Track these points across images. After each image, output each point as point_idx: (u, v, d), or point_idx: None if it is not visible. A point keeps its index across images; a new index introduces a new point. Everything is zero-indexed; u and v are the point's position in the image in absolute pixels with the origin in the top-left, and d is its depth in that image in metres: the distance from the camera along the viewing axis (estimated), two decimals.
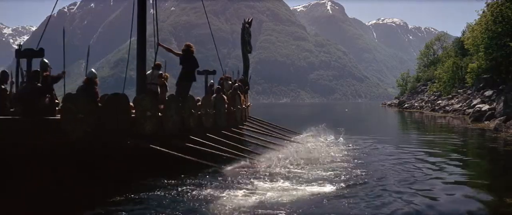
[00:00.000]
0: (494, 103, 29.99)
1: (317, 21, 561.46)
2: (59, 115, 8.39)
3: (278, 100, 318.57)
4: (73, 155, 7.88)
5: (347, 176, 9.42)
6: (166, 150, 9.57)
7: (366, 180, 9.05)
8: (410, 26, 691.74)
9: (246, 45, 18.66)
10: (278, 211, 6.74)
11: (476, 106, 32.49)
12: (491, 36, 39.15)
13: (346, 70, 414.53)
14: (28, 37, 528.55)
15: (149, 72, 12.25)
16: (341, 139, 17.20)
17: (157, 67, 12.55)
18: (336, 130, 19.53)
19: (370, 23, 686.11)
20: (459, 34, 72.18)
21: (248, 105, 18.52)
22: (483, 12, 43.42)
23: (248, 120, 17.77)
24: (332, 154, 13.23)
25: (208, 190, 8.09)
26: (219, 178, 9.21)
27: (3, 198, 6.78)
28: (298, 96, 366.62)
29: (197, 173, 9.54)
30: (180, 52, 12.08)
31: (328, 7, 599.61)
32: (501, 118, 23.65)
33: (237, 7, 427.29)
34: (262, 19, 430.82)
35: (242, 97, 16.68)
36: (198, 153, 10.45)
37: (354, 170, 10.15)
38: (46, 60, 10.08)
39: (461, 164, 11.51)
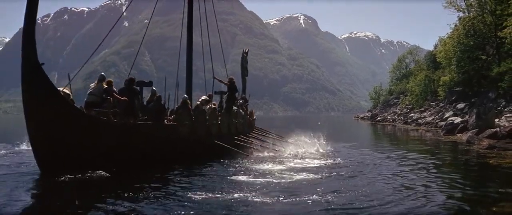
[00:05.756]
0: (467, 116, 30.01)
1: (290, 35, 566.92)
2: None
3: None
4: (181, 143, 14.18)
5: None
6: (223, 144, 15.52)
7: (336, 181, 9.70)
8: (382, 40, 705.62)
9: (244, 70, 23.09)
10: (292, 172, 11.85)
11: (449, 119, 32.49)
12: (463, 49, 39.67)
13: (319, 83, 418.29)
14: (1, 48, 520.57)
15: (204, 97, 17.45)
16: (322, 141, 20.15)
17: (210, 96, 18.29)
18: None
19: (343, 36, 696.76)
20: (431, 48, 73.43)
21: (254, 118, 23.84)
22: (455, 25, 44.04)
23: (255, 128, 22.82)
24: (316, 150, 17.91)
25: (246, 165, 13.29)
26: (251, 161, 14.50)
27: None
28: (271, 109, 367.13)
29: (238, 158, 14.71)
30: (228, 83, 17.92)
31: (301, 21, 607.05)
32: (474, 130, 23.52)
33: (210, 20, 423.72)
34: (235, 32, 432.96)
35: (253, 111, 23.58)
36: (239, 146, 16.33)
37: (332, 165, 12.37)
38: (154, 88, 15.72)
39: (434, 176, 11.24)
